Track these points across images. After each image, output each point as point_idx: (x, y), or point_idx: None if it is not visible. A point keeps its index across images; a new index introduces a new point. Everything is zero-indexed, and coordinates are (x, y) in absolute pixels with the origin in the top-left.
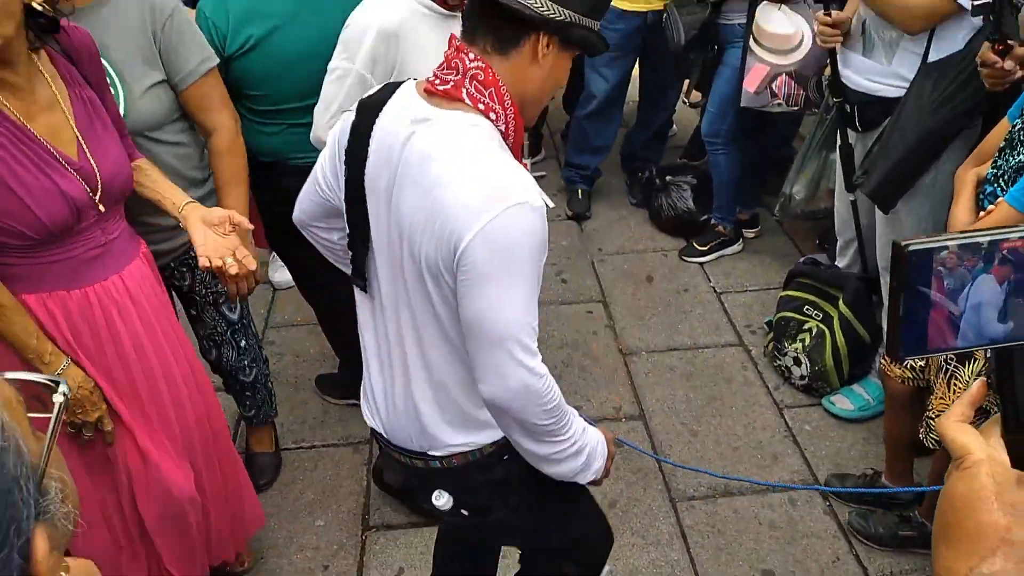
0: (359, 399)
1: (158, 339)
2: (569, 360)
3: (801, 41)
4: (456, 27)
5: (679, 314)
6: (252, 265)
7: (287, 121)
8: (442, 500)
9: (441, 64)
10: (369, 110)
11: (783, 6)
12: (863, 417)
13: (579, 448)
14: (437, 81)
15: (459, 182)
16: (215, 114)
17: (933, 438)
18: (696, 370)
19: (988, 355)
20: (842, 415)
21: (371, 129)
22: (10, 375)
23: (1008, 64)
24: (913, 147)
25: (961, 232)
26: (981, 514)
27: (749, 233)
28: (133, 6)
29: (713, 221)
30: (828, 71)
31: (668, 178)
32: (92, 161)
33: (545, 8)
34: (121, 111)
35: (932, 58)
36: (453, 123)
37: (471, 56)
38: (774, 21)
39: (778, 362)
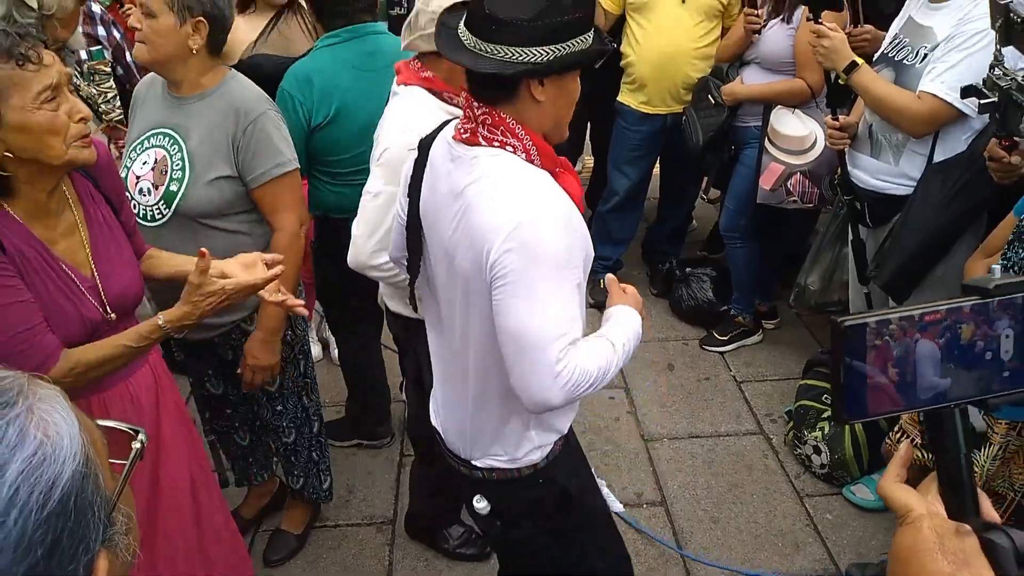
0: (366, 439)
1: (162, 444)
2: (591, 445)
3: (814, 143)
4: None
5: (700, 402)
6: (293, 296)
7: (356, 180)
8: (481, 504)
9: (462, 116)
10: (424, 148)
11: (796, 110)
12: (883, 507)
13: (627, 355)
14: (461, 130)
15: (485, 204)
16: (280, 215)
17: None
18: (717, 457)
19: (921, 418)
20: (863, 505)
21: (424, 165)
22: (100, 422)
23: (1015, 159)
24: (923, 242)
25: (893, 309)
26: (927, 564)
27: (769, 324)
28: (222, 104)
29: (732, 312)
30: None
31: (688, 270)
32: (98, 280)
33: (523, 56)
34: (178, 197)
35: (937, 159)
36: (477, 158)
37: (477, 106)
38: (788, 124)
39: (798, 450)
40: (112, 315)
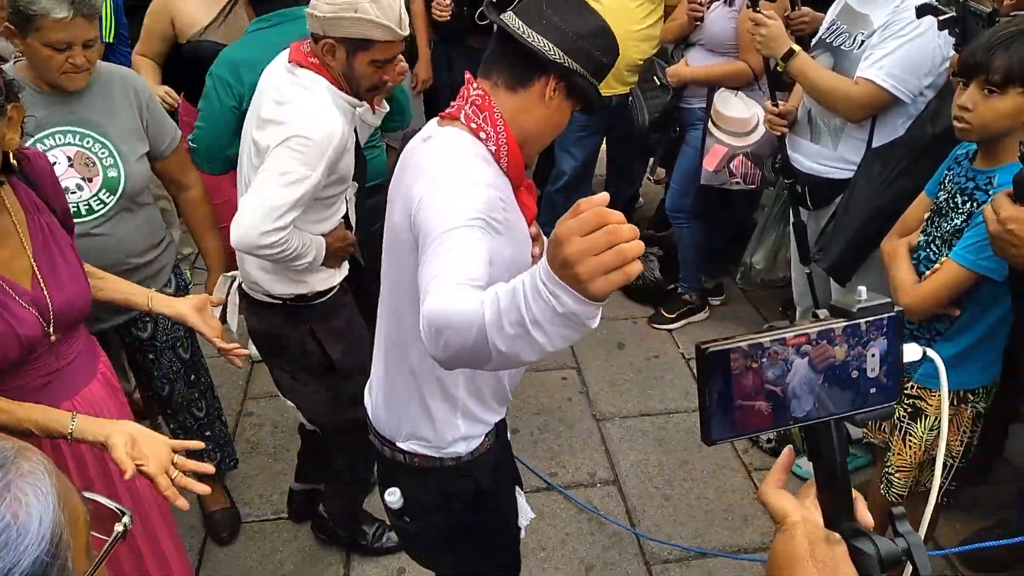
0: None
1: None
2: (545, 426)
3: (757, 124)
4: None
5: (650, 380)
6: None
7: None
8: (394, 497)
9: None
10: (407, 138)
11: (739, 92)
12: None
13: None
14: (449, 106)
15: (427, 171)
16: (190, 172)
17: (895, 492)
18: (668, 435)
19: (800, 430)
20: (809, 477)
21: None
22: (88, 494)
23: None
24: (865, 225)
25: (749, 334)
26: (797, 571)
27: (715, 301)
28: (118, 88)
29: (680, 290)
30: None
31: None
32: (46, 291)
33: (557, 56)
34: (121, 181)
35: (876, 143)
36: (443, 135)
37: (475, 86)
38: (731, 106)
39: None
40: (53, 335)
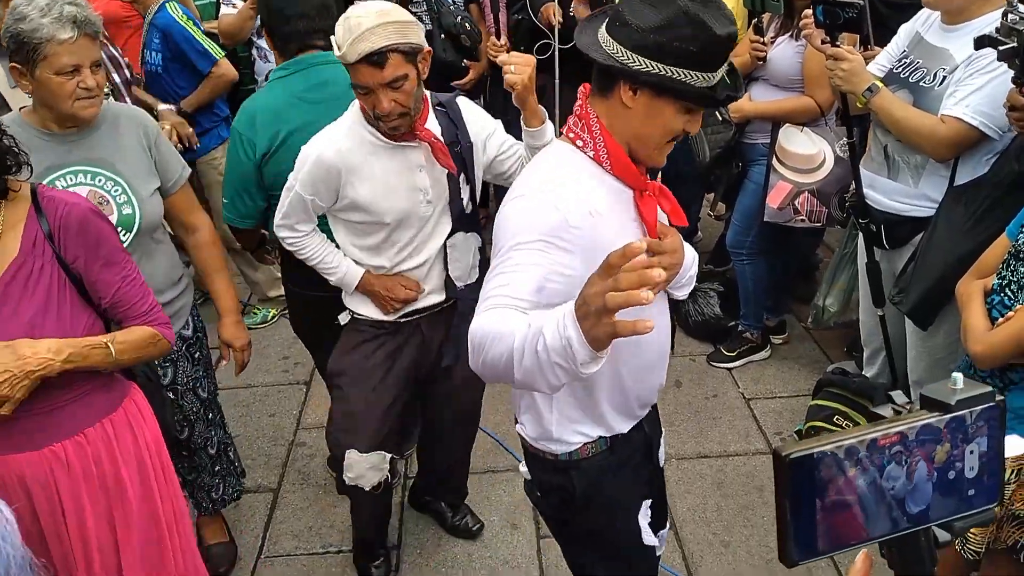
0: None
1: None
2: None
3: (823, 161)
4: (412, 155)
5: (708, 420)
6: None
7: None
8: (523, 468)
9: None
10: None
11: (805, 127)
12: None
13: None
14: None
15: (512, 189)
16: (197, 214)
17: (971, 549)
18: (727, 479)
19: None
20: None
21: None
22: None
23: None
24: (950, 267)
25: (837, 438)
26: None
27: (777, 339)
28: (126, 126)
29: (740, 328)
30: (852, 190)
31: (695, 284)
32: None
33: (626, 58)
34: (137, 218)
35: (959, 180)
36: (544, 152)
37: (579, 99)
38: (796, 142)
39: None
40: None
